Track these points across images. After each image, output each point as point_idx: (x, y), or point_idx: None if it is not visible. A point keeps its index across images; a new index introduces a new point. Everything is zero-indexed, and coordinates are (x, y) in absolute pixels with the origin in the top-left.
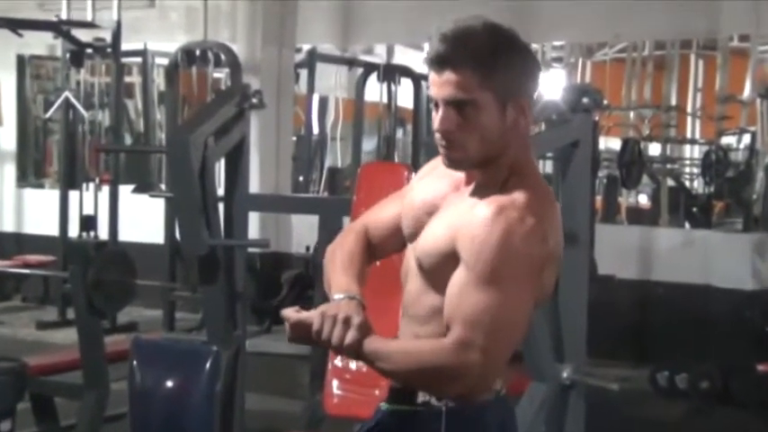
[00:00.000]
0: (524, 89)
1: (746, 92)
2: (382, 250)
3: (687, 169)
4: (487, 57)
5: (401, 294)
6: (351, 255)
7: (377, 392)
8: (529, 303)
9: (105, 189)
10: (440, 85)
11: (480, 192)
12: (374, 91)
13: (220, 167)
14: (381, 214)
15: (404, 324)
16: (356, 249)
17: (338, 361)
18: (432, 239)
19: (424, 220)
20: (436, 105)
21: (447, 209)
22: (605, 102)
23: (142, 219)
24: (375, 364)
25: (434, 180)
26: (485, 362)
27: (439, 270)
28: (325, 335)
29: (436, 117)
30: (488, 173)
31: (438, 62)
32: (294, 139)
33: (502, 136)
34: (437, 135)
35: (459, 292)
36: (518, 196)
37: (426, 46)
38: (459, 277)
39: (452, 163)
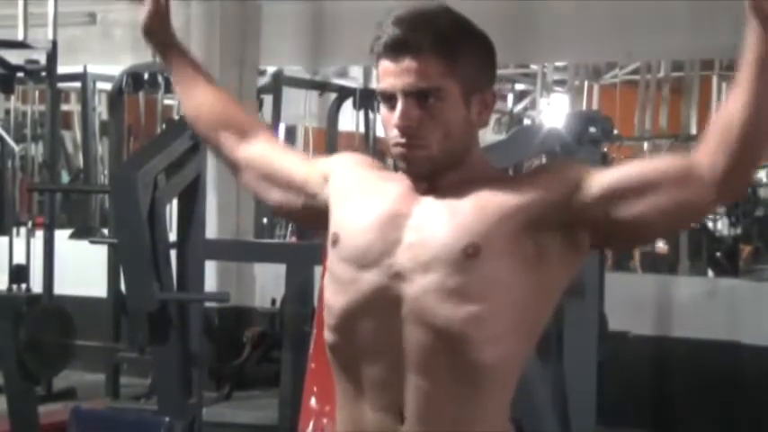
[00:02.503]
0: (488, 81)
1: None
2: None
3: None
4: (451, 42)
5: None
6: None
7: None
8: None
9: (39, 234)
10: (397, 75)
11: (461, 185)
12: (349, 119)
13: (172, 209)
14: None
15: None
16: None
17: (310, 430)
18: (442, 233)
19: (396, 234)
20: (389, 100)
21: (431, 209)
22: (615, 131)
23: (81, 269)
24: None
25: (371, 191)
26: None
27: (470, 269)
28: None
29: (390, 114)
30: (459, 173)
31: (394, 48)
32: None
33: (467, 132)
34: (394, 132)
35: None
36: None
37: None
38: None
39: (413, 164)
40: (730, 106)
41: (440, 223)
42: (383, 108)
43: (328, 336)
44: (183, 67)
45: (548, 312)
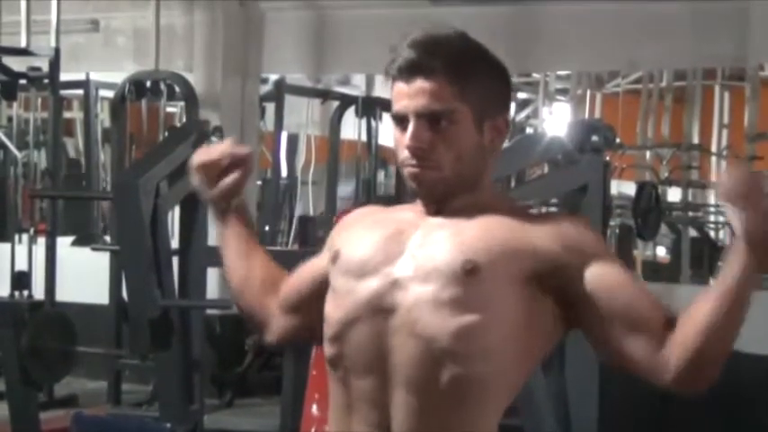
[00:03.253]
0: (501, 107)
1: None
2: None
3: (712, 217)
4: (464, 65)
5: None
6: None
7: None
8: None
9: (41, 241)
10: (410, 96)
11: (470, 210)
12: (351, 127)
13: (174, 216)
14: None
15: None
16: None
17: None
18: (444, 248)
19: (399, 247)
20: (401, 122)
21: (435, 228)
22: (618, 140)
23: (84, 276)
24: (743, 307)
25: (376, 222)
26: None
27: (466, 284)
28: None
29: (402, 136)
30: (468, 198)
31: (408, 70)
32: (259, 183)
33: (479, 157)
34: (405, 153)
35: (634, 291)
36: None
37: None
38: (620, 279)
39: (424, 184)
40: (698, 320)
41: (443, 240)
42: (396, 130)
43: (326, 348)
44: (236, 235)
45: (542, 347)
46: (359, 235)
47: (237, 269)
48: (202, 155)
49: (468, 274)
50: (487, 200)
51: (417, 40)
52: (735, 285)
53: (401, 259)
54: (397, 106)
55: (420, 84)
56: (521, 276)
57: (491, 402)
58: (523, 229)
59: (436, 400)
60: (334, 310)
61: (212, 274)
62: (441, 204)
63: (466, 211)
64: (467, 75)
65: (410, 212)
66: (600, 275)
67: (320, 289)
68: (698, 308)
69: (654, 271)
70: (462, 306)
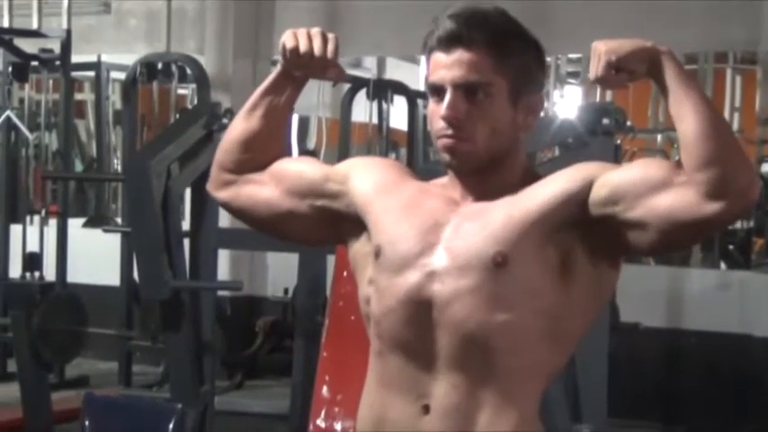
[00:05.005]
0: (537, 85)
1: None
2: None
3: None
4: (504, 40)
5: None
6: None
7: None
8: None
9: (52, 223)
10: (448, 67)
11: (500, 193)
12: (363, 110)
13: (185, 198)
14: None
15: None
16: None
17: (321, 420)
18: (474, 240)
19: (434, 238)
20: (438, 92)
21: (467, 218)
22: (629, 123)
23: (95, 257)
24: (688, 82)
25: (411, 203)
26: None
27: (501, 277)
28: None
29: (437, 106)
30: (500, 175)
31: (448, 40)
32: None
33: (512, 132)
34: (440, 124)
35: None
36: None
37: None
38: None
39: (458, 157)
40: (684, 133)
41: (473, 232)
42: (431, 101)
43: (373, 342)
44: (276, 110)
45: (582, 325)
46: (396, 221)
47: (261, 125)
48: (304, 43)
49: (500, 266)
50: (519, 179)
51: (459, 12)
52: (672, 83)
53: (437, 250)
54: (434, 77)
55: (459, 54)
56: (544, 244)
57: (528, 386)
58: (537, 196)
59: (475, 384)
60: (377, 302)
61: (223, 256)
62: (472, 178)
63: (493, 193)
64: (506, 49)
65: (441, 196)
66: (606, 176)
67: (301, 191)
68: (678, 130)
69: (665, 254)
70: (498, 301)
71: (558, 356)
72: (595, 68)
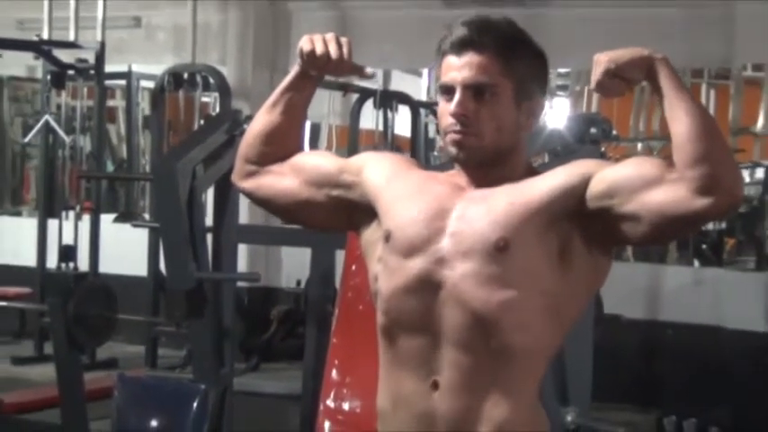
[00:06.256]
0: (539, 90)
1: (760, 124)
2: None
3: None
4: (511, 46)
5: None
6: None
7: None
8: None
9: (86, 218)
10: (459, 69)
11: (502, 184)
12: (370, 118)
13: (208, 197)
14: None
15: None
16: None
17: (331, 401)
18: (479, 226)
19: (441, 224)
20: (448, 92)
21: (471, 203)
22: (614, 132)
23: (124, 250)
24: (680, 87)
25: (419, 191)
26: None
27: (500, 258)
28: (320, 49)
29: (447, 105)
30: (503, 169)
31: (461, 44)
32: None
33: (515, 131)
34: (449, 120)
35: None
36: None
37: (425, 72)
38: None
39: (465, 150)
40: (676, 134)
41: (477, 218)
42: (441, 101)
43: (379, 317)
44: (294, 106)
45: (577, 308)
46: (406, 207)
47: (281, 119)
48: (320, 47)
49: (502, 251)
50: (520, 174)
51: (471, 20)
52: (667, 87)
53: (443, 237)
54: (446, 78)
55: (470, 57)
56: (544, 232)
57: (531, 364)
58: (538, 189)
59: (481, 361)
60: (386, 284)
61: (242, 250)
62: (477, 171)
63: (496, 185)
64: (512, 55)
65: (447, 184)
66: (603, 172)
67: (319, 181)
68: (672, 131)
69: (644, 252)
70: (501, 281)
71: (556, 337)
72: (596, 76)
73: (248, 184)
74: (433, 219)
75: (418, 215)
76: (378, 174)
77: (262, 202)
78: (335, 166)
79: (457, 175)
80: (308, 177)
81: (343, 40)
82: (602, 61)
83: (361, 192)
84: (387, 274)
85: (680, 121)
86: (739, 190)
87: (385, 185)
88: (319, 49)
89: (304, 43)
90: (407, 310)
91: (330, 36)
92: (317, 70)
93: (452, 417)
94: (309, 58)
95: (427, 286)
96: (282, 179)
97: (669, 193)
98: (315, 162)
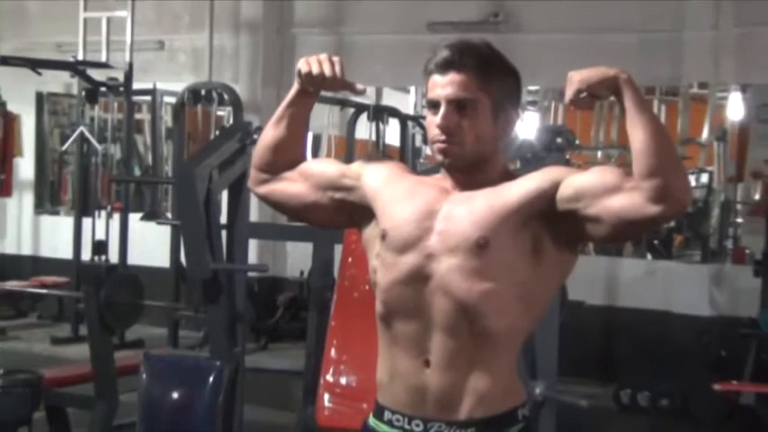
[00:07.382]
0: (514, 103)
1: (704, 135)
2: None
3: None
4: (487, 64)
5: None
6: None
7: (365, 406)
8: None
9: (116, 216)
10: (443, 86)
11: (483, 187)
12: (364, 129)
13: (223, 198)
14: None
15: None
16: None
17: (330, 376)
18: (462, 226)
19: (430, 223)
20: (434, 107)
21: (456, 205)
22: (577, 142)
23: (150, 244)
24: (641, 104)
25: (412, 193)
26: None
27: (483, 254)
28: (316, 69)
29: (433, 118)
30: (483, 173)
31: (444, 65)
32: None
33: (493, 140)
34: (436, 132)
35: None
36: None
37: (412, 88)
38: (577, 180)
39: (450, 157)
40: (635, 146)
41: (460, 218)
42: (428, 114)
43: (378, 306)
44: (303, 111)
45: (547, 296)
46: (400, 209)
47: (286, 132)
48: (315, 68)
49: (482, 248)
50: (498, 177)
51: (453, 43)
52: (629, 105)
53: (432, 235)
54: (432, 94)
55: (452, 76)
56: (520, 231)
57: (507, 344)
58: (514, 191)
59: (465, 342)
60: (383, 277)
61: (252, 244)
62: (461, 175)
63: (478, 187)
64: (490, 73)
65: (435, 187)
66: (571, 179)
67: (323, 186)
68: (631, 143)
69: (603, 247)
70: (481, 274)
71: (530, 321)
72: (569, 93)
73: (263, 190)
74: (423, 219)
75: (410, 216)
76: (375, 178)
77: (275, 204)
78: (338, 171)
79: (443, 179)
80: (315, 182)
81: (335, 59)
82: (574, 80)
83: (361, 194)
84: (384, 268)
85: (637, 136)
86: (687, 198)
87: (381, 189)
88: (315, 69)
89: (302, 65)
90: (402, 299)
91: (324, 56)
92: (314, 87)
93: (441, 389)
94: (307, 78)
95: (419, 279)
96: (293, 185)
97: (626, 200)
98: (320, 168)
